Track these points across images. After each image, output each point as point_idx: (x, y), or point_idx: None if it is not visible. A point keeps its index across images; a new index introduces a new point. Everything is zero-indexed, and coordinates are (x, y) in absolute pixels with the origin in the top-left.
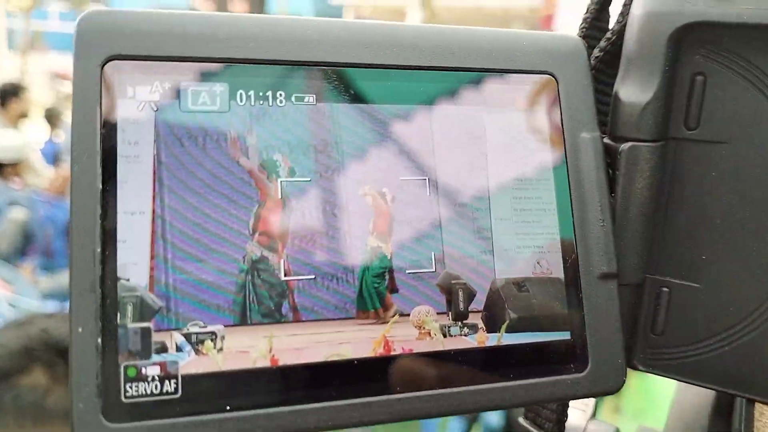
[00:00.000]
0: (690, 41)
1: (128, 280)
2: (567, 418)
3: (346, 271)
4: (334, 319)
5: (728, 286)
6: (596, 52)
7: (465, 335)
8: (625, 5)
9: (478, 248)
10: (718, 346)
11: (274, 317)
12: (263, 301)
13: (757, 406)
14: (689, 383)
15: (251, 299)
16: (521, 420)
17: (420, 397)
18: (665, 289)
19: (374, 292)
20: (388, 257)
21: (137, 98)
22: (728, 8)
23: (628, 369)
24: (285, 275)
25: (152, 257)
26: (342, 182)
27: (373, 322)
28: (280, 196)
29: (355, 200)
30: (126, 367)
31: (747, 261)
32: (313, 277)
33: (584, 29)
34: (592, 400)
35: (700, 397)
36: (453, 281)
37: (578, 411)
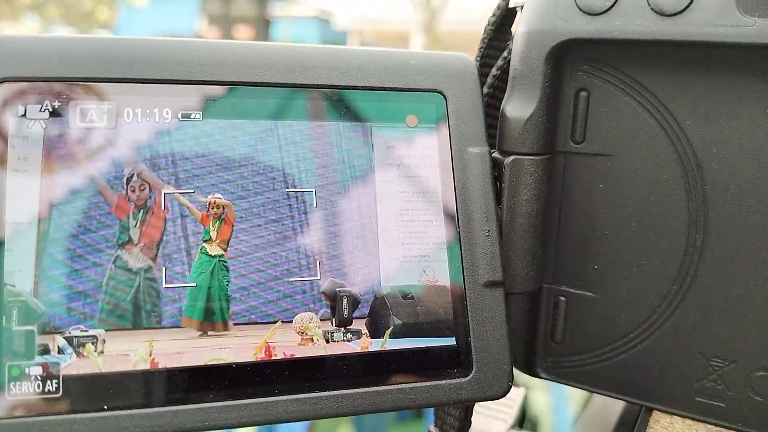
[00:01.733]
0: (570, 58)
1: (14, 286)
2: (470, 425)
3: (207, 278)
4: (212, 322)
5: (621, 296)
6: (494, 71)
7: (348, 341)
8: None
9: (363, 257)
10: (614, 354)
11: (156, 323)
12: (145, 307)
13: (654, 414)
14: (589, 391)
15: (133, 306)
16: (431, 428)
17: (299, 400)
18: (562, 298)
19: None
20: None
21: (28, 116)
22: (601, 25)
23: None
24: (165, 283)
25: (37, 265)
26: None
27: (255, 329)
28: (162, 208)
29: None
30: (10, 367)
31: (636, 271)
32: (194, 284)
33: (482, 49)
34: (514, 410)
35: (614, 405)
36: (338, 289)
37: (499, 421)
